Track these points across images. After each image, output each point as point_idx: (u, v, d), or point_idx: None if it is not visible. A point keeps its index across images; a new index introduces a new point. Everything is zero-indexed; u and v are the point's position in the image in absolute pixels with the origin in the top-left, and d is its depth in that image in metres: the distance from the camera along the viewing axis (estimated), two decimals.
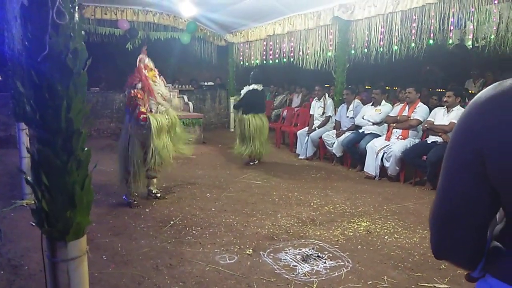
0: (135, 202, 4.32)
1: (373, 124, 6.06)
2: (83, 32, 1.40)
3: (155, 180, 4.62)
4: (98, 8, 8.37)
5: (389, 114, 5.87)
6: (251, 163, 6.47)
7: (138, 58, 4.20)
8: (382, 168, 5.57)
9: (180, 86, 10.62)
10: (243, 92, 6.45)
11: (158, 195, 4.59)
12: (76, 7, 1.28)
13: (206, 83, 11.92)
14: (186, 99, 9.62)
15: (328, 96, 7.18)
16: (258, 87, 6.33)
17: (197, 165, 6.44)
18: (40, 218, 1.35)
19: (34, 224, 1.42)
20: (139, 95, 3.96)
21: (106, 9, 8.46)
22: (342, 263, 3.01)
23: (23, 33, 1.24)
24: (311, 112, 7.27)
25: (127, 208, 4.26)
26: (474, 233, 0.81)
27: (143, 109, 3.95)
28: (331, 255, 3.16)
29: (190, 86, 11.38)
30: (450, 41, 6.17)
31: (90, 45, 8.60)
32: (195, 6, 7.49)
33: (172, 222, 3.85)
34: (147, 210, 4.22)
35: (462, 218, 0.81)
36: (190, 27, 9.48)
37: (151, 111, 4.15)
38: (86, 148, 1.38)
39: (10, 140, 7.21)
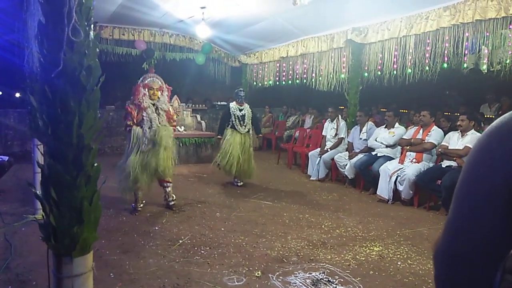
0: (140, 207, 4.71)
1: (387, 146, 6.00)
2: (97, 50, 1.42)
3: (169, 190, 4.89)
4: (116, 29, 8.61)
5: (403, 137, 5.81)
6: (230, 181, 6.34)
7: (142, 78, 4.73)
8: (396, 192, 5.47)
9: (193, 105, 10.75)
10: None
11: (171, 203, 4.88)
12: (92, 25, 1.30)
13: (219, 103, 12.05)
14: (199, 118, 9.70)
15: (341, 118, 7.16)
16: (230, 102, 6.30)
17: (207, 184, 6.42)
18: (48, 233, 1.34)
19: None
20: (129, 110, 4.56)
21: (124, 29, 8.70)
22: None
23: (40, 49, 1.27)
24: (323, 133, 7.25)
25: (137, 226, 4.25)
26: (489, 267, 0.74)
27: (129, 122, 4.54)
28: (342, 280, 3.07)
29: (204, 105, 11.51)
30: (465, 65, 6.12)
31: (108, 64, 8.82)
32: (211, 28, 7.63)
33: (180, 241, 3.82)
34: (156, 228, 4.20)
35: (480, 253, 0.73)
36: (205, 48, 9.65)
37: (141, 125, 4.54)
38: (95, 164, 1.38)
39: (25, 155, 7.33)
